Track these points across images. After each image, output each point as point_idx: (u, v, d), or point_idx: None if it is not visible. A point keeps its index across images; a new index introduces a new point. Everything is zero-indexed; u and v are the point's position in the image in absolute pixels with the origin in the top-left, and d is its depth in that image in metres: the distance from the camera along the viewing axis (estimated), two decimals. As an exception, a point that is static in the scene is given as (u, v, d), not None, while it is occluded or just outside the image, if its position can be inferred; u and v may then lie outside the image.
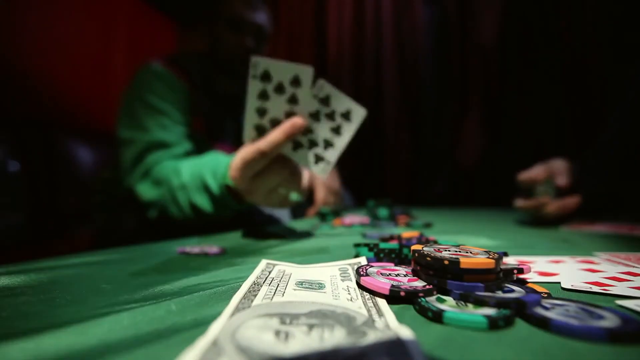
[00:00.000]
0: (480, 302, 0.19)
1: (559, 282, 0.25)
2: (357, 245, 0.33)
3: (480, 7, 1.52)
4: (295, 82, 0.41)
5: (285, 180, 0.46)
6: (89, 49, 1.13)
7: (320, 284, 0.23)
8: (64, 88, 1.02)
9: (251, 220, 0.75)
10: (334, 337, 0.14)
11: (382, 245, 0.30)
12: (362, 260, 0.29)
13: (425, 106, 1.63)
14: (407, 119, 1.64)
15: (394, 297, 0.20)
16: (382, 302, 0.20)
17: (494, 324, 0.17)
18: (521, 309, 0.18)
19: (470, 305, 0.19)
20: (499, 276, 0.22)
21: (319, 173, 0.45)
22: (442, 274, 0.21)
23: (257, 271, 0.26)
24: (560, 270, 0.28)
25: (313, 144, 0.44)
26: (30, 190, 0.81)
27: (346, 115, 0.43)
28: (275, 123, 0.43)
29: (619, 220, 0.67)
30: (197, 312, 0.19)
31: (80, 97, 1.07)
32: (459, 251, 0.23)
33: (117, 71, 1.21)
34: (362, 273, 0.23)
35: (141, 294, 0.22)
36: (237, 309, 0.17)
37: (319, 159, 0.45)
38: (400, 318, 0.18)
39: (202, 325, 0.17)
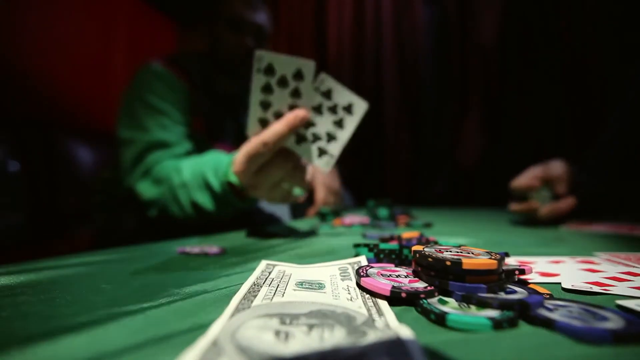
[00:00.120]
0: (483, 304, 0.19)
1: (560, 283, 0.25)
2: (356, 245, 0.33)
3: (480, 7, 1.52)
4: (298, 75, 0.42)
5: (288, 175, 0.46)
6: (89, 49, 1.13)
7: (320, 284, 0.23)
8: (64, 88, 1.02)
9: (251, 220, 0.75)
10: (334, 337, 0.14)
11: (382, 245, 0.30)
12: (362, 259, 0.29)
13: (425, 106, 1.63)
14: (407, 119, 1.64)
15: (395, 298, 0.20)
16: (382, 302, 0.20)
17: (498, 326, 0.17)
18: (524, 311, 0.18)
19: (472, 307, 0.19)
20: (501, 277, 0.21)
21: (323, 166, 0.45)
22: (444, 275, 0.21)
23: (257, 272, 0.26)
24: (561, 270, 0.28)
25: (316, 137, 0.45)
26: (30, 190, 0.81)
27: (348, 109, 0.44)
28: (279, 116, 0.43)
29: (619, 220, 0.67)
30: (197, 312, 0.19)
31: (80, 97, 1.07)
32: (461, 252, 0.23)
33: (117, 71, 1.21)
34: (362, 274, 0.23)
35: (141, 294, 0.22)
36: (237, 310, 0.17)
37: (322, 152, 0.45)
38: (401, 320, 0.18)
39: (201, 326, 0.17)
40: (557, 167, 0.69)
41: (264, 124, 0.44)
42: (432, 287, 0.21)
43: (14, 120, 0.82)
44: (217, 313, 0.18)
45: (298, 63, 0.41)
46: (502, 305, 0.18)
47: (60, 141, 0.90)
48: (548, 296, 0.21)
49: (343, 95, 0.43)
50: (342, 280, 0.24)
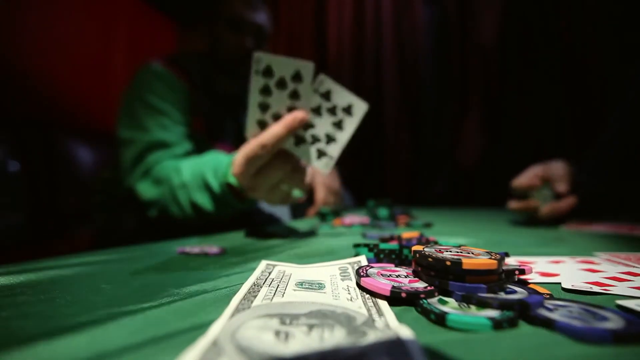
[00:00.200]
0: (483, 304, 0.19)
1: (560, 283, 0.25)
2: (356, 245, 0.33)
3: (480, 7, 1.52)
4: (297, 77, 0.41)
5: (287, 177, 0.46)
6: (89, 49, 1.13)
7: (320, 284, 0.23)
8: (64, 88, 1.02)
9: (251, 220, 0.75)
10: (334, 337, 0.14)
11: (382, 245, 0.30)
12: (362, 259, 0.29)
13: (425, 106, 1.63)
14: (407, 119, 1.64)
15: (395, 298, 0.20)
16: (382, 302, 0.20)
17: (498, 326, 0.17)
18: (524, 311, 0.18)
19: (472, 307, 0.19)
20: (501, 277, 0.21)
21: (322, 168, 0.45)
22: (444, 275, 0.21)
23: (257, 272, 0.26)
24: (561, 270, 0.28)
25: (315, 139, 0.45)
26: (30, 190, 0.81)
27: (348, 110, 0.43)
28: (277, 118, 0.43)
29: (619, 220, 0.67)
30: (197, 313, 0.19)
31: (80, 97, 1.07)
32: (461, 252, 0.23)
33: (117, 71, 1.21)
34: (362, 274, 0.23)
35: (141, 294, 0.22)
36: (237, 310, 0.17)
37: (321, 154, 0.45)
38: (401, 320, 0.18)
39: (201, 326, 0.17)
40: (557, 167, 0.69)
41: (262, 126, 0.44)
42: (432, 287, 0.21)
43: (14, 120, 0.82)
44: (217, 313, 0.18)
45: (297, 64, 0.41)
46: (502, 305, 0.18)
47: (60, 141, 0.90)
48: (548, 296, 0.21)
49: (342, 97, 0.43)
50: (342, 280, 0.24)
